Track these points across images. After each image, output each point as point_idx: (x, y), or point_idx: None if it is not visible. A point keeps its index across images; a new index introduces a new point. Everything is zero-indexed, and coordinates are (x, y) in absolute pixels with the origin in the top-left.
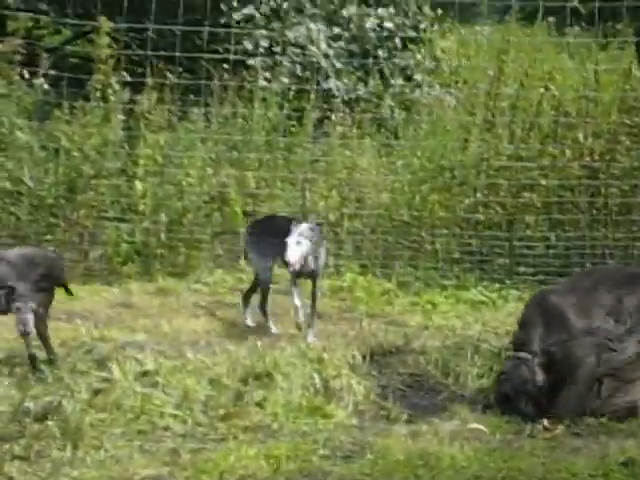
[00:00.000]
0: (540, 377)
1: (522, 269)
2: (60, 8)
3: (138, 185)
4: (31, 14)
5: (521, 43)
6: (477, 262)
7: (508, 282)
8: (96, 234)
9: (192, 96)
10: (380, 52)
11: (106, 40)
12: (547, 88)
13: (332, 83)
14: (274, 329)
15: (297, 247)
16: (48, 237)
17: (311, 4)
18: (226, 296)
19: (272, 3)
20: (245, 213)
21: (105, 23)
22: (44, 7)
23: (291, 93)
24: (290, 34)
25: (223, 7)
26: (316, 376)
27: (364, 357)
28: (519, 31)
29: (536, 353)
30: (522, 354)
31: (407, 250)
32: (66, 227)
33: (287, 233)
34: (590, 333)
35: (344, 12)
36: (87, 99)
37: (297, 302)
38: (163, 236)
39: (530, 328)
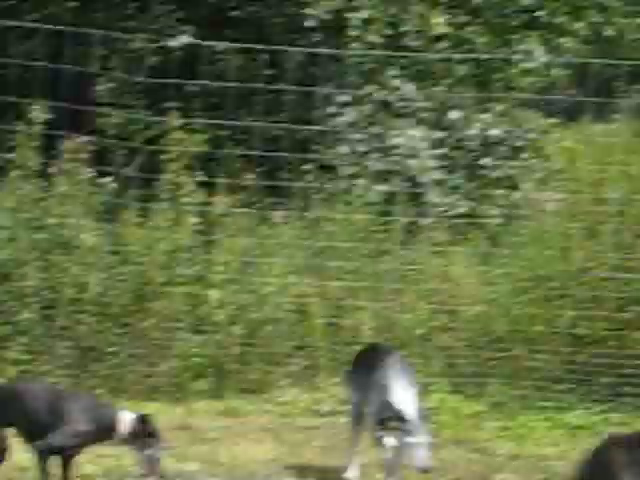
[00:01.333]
0: None
1: (629, 389)
2: (153, 103)
3: (213, 294)
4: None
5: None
6: (579, 381)
7: (612, 404)
8: (166, 346)
9: (274, 198)
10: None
11: (178, 135)
12: None
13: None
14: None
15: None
16: (114, 349)
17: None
18: (298, 418)
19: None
20: None
21: (173, 118)
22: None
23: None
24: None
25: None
26: None
27: None
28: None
29: None
30: None
31: (502, 368)
32: (134, 338)
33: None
34: None
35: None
36: (159, 200)
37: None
38: (237, 349)
39: None
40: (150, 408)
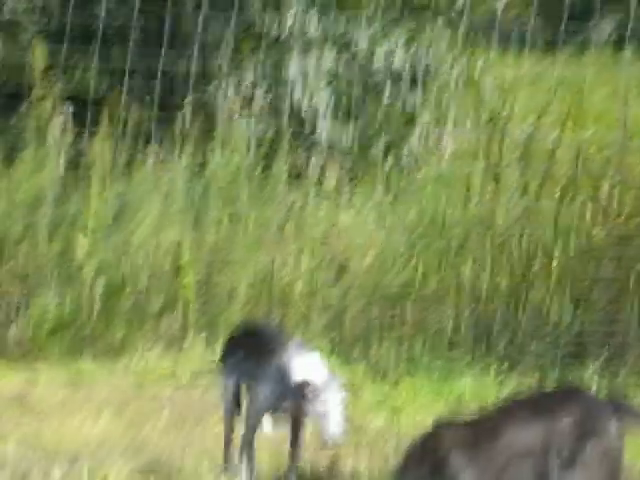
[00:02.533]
0: None
1: (529, 349)
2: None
3: (80, 245)
4: None
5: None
6: (475, 342)
7: (506, 368)
8: (22, 303)
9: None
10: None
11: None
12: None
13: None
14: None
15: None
16: None
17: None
18: (151, 387)
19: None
20: None
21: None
22: None
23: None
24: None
25: None
26: None
27: None
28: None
29: None
30: None
31: (392, 328)
32: None
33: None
34: None
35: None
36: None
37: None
38: (99, 307)
39: None
40: None
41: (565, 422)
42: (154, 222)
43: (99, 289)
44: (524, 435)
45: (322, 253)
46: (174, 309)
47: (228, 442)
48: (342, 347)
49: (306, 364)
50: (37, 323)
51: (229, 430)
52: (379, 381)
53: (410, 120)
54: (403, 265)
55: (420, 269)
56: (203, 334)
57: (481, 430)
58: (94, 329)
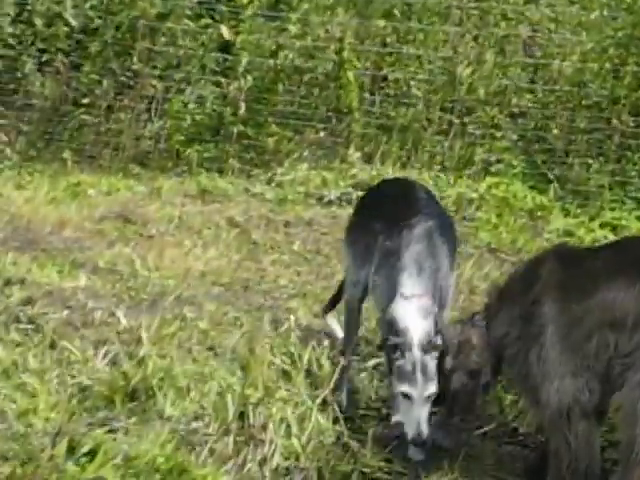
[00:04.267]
0: None
1: None
2: None
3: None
4: None
5: None
6: None
7: None
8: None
9: None
10: None
11: None
12: None
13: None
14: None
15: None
16: None
17: None
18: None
19: None
20: None
21: None
22: None
23: None
24: None
25: None
26: None
27: None
28: None
29: None
30: None
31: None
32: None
33: None
34: None
35: None
36: None
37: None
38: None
39: None
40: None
41: None
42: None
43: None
44: (622, 305)
45: None
46: (331, 118)
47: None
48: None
49: None
50: (174, 126)
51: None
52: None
53: None
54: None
55: None
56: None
57: (581, 280)
58: (238, 136)
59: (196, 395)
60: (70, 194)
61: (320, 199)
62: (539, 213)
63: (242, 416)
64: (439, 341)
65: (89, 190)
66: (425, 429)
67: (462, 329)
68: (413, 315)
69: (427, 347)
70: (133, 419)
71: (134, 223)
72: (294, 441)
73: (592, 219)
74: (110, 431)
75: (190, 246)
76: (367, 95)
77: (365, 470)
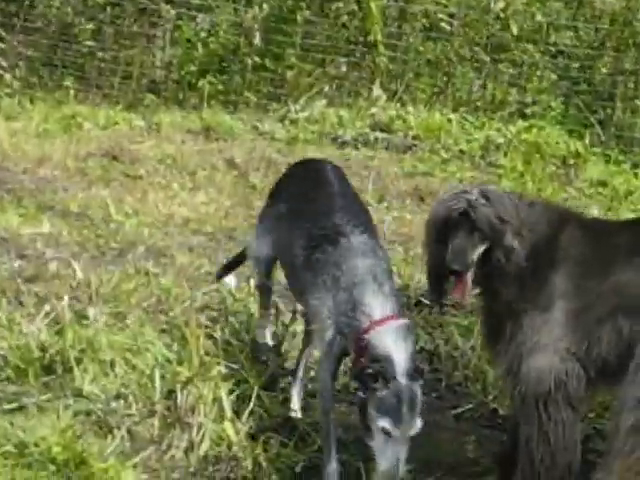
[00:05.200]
0: None
1: None
2: None
3: None
4: None
5: None
6: None
7: None
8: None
9: None
10: None
11: None
12: None
13: None
14: None
15: None
16: None
17: None
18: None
19: None
20: None
21: None
22: None
23: None
24: None
25: None
26: None
27: None
28: None
29: None
30: None
31: None
32: None
33: None
34: None
35: None
36: None
37: None
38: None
39: None
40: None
41: None
42: None
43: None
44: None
45: None
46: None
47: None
48: None
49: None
50: (185, 55)
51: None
52: None
53: None
54: None
55: None
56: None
57: (601, 258)
58: (253, 68)
59: (121, 371)
60: (63, 127)
61: (334, 140)
62: (572, 161)
63: (171, 396)
64: (420, 369)
65: (84, 123)
66: (400, 470)
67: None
68: (393, 339)
69: (414, 374)
70: (47, 395)
71: (122, 162)
72: (227, 426)
73: (635, 166)
74: (20, 408)
75: (178, 189)
76: (393, 29)
77: (315, 461)
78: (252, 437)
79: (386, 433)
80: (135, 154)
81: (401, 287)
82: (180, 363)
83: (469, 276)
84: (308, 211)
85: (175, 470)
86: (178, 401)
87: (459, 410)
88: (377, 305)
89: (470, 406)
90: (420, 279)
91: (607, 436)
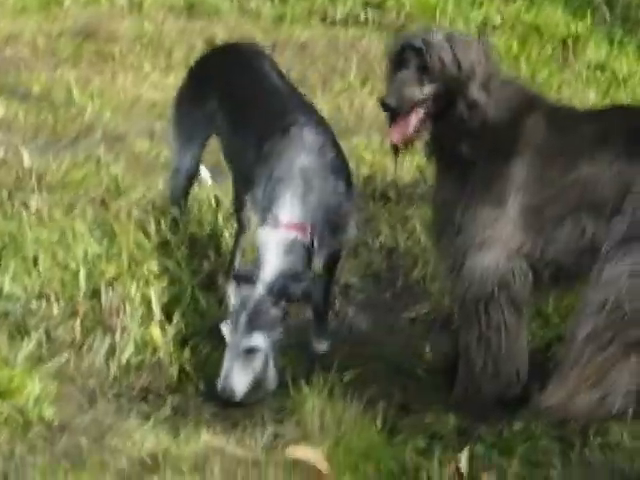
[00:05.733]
0: None
1: None
2: None
3: None
4: None
5: None
6: None
7: None
8: None
9: None
10: None
11: None
12: None
13: None
14: None
15: None
16: None
17: None
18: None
19: None
20: None
21: None
22: None
23: None
24: None
25: None
26: None
27: None
28: None
29: None
30: None
31: None
32: None
33: None
34: None
35: None
36: None
37: None
38: None
39: None
40: None
41: None
42: None
43: None
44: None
45: None
46: None
47: None
48: None
49: None
50: None
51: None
52: None
53: None
54: None
55: None
56: None
57: (565, 149)
58: None
59: (46, 268)
60: (43, 3)
61: (324, 19)
62: (572, 42)
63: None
64: (298, 291)
65: (65, 0)
66: (234, 387)
67: None
68: (272, 249)
69: (276, 292)
70: None
71: (96, 41)
72: (153, 329)
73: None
74: None
75: (150, 70)
76: None
77: None
78: (183, 342)
79: (223, 337)
80: (111, 33)
81: (369, 176)
82: (109, 260)
83: (412, 118)
84: (255, 106)
85: (92, 377)
86: (102, 302)
87: (413, 312)
88: (288, 208)
89: (426, 309)
90: (391, 169)
91: (563, 344)
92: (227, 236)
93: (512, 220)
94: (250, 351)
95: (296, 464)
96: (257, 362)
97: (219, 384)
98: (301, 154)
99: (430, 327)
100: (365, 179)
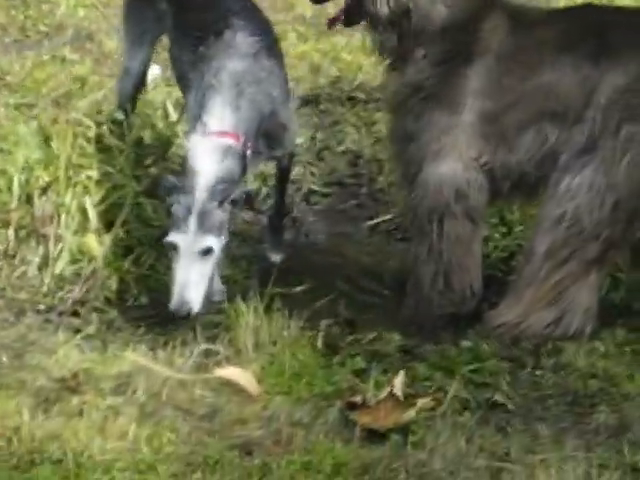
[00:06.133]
0: None
1: None
2: None
3: None
4: None
5: None
6: None
7: None
8: None
9: None
10: None
11: None
12: None
13: None
14: None
15: None
16: None
17: None
18: None
19: None
20: None
21: None
22: None
23: None
24: None
25: None
26: None
27: None
28: None
29: None
30: None
31: None
32: None
33: None
34: None
35: None
36: None
37: None
38: None
39: None
40: None
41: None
42: None
43: None
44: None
45: None
46: None
47: None
48: None
49: None
50: None
51: None
52: None
53: None
54: None
55: None
56: None
57: (527, 52)
58: None
59: None
60: None
61: None
62: None
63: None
64: (240, 194)
65: None
66: (191, 297)
67: None
68: (206, 155)
69: (218, 196)
70: None
71: None
72: (89, 238)
73: None
74: None
75: None
76: None
77: None
78: (126, 253)
79: (174, 248)
80: None
81: (336, 79)
82: (47, 167)
83: None
84: (198, 8)
85: (23, 289)
86: (35, 210)
87: (375, 221)
88: (217, 116)
89: (388, 217)
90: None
91: (520, 259)
92: (177, 141)
93: (469, 127)
94: (206, 252)
95: (225, 385)
96: (210, 267)
97: (173, 297)
98: (233, 59)
99: (390, 238)
100: (333, 80)
